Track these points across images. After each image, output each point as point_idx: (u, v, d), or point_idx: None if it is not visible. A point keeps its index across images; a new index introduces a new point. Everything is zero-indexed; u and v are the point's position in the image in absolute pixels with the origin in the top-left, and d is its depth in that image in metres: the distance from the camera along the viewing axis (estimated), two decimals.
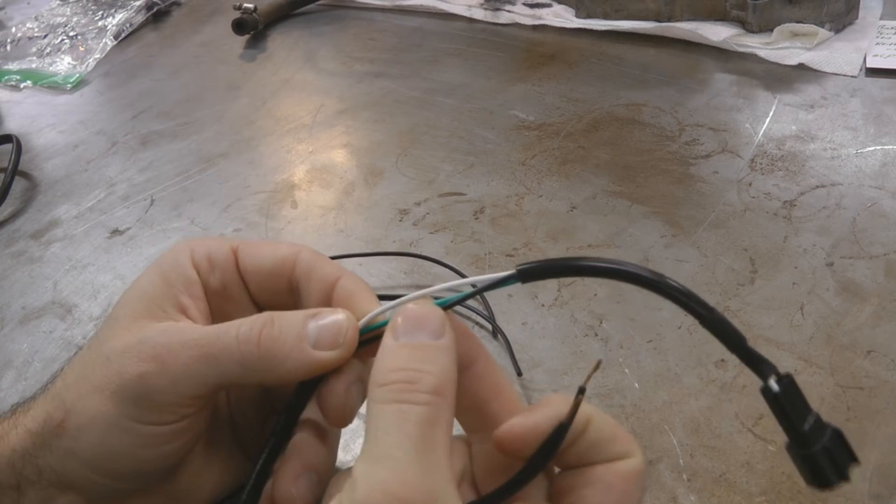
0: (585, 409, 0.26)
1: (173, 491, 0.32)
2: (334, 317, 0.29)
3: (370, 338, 0.29)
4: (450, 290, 0.27)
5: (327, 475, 0.30)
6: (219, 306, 0.32)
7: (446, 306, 0.27)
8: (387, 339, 0.26)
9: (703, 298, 0.25)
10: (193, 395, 0.28)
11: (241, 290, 0.33)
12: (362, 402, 0.29)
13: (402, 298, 0.28)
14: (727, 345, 0.25)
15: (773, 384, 0.24)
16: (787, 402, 0.24)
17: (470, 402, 0.27)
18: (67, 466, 0.28)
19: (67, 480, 0.29)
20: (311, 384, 0.30)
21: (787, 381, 0.24)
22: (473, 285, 0.27)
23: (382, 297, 0.30)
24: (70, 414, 0.28)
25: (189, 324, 0.30)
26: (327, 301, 0.31)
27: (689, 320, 0.43)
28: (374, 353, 0.29)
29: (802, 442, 0.24)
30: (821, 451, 0.24)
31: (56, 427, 0.28)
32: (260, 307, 0.32)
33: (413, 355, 0.25)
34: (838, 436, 0.24)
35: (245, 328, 0.28)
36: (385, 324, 0.28)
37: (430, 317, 0.26)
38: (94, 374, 0.28)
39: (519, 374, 0.41)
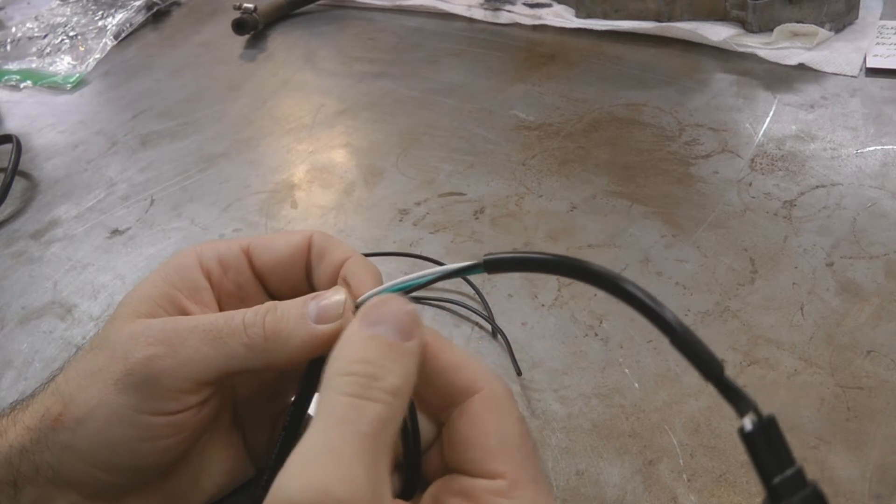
0: (426, 332, 0.26)
1: (171, 490, 0.32)
2: (332, 296, 0.29)
3: None
4: (419, 275, 0.28)
5: None
6: (236, 308, 0.32)
7: (411, 289, 0.28)
8: (353, 325, 0.25)
9: (678, 316, 0.23)
10: (199, 381, 0.28)
11: (257, 289, 0.33)
12: None
13: (387, 284, 0.29)
14: (701, 371, 0.23)
15: (747, 423, 0.22)
16: (762, 446, 0.22)
17: (434, 376, 0.27)
18: (65, 461, 0.28)
19: (65, 477, 0.29)
20: (315, 375, 0.31)
21: (766, 423, 0.22)
22: (443, 271, 0.27)
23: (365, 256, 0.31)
24: (69, 406, 0.28)
25: (195, 315, 0.30)
26: (335, 282, 0.31)
27: (690, 320, 0.43)
28: None
29: (771, 494, 0.21)
30: None
31: (53, 421, 0.28)
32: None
33: (380, 351, 0.24)
34: (817, 499, 0.21)
35: (250, 314, 0.29)
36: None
37: (404, 315, 0.25)
38: (97, 365, 0.29)
39: (519, 373, 0.41)
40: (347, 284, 0.31)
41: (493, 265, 0.26)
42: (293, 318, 0.28)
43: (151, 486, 0.31)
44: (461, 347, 0.28)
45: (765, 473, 0.22)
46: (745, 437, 0.22)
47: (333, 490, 0.21)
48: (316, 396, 0.25)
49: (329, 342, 0.29)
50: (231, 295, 0.32)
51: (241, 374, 0.30)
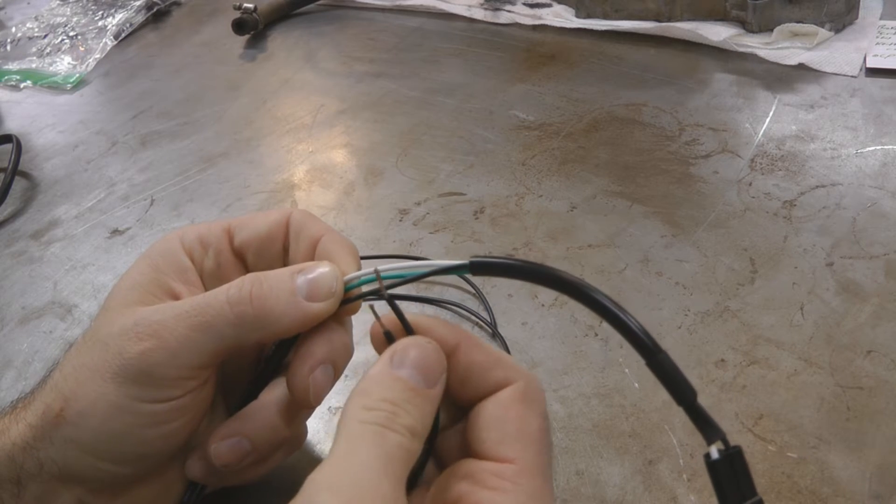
0: (457, 335, 0.27)
1: (174, 478, 0.32)
2: (320, 269, 0.29)
3: (349, 298, 0.30)
4: (408, 267, 0.28)
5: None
6: (215, 286, 0.32)
7: (397, 282, 0.28)
8: (384, 364, 0.26)
9: (656, 339, 0.23)
10: (194, 366, 0.28)
11: (237, 268, 0.33)
12: (331, 385, 0.30)
13: (372, 269, 0.29)
14: (674, 396, 0.23)
15: (714, 452, 0.22)
16: (726, 476, 0.22)
17: (468, 374, 0.28)
18: (69, 456, 0.28)
19: (70, 471, 0.29)
20: (281, 355, 0.31)
21: (731, 453, 0.22)
22: (431, 267, 0.28)
23: (364, 258, 0.31)
24: (69, 402, 0.28)
25: (180, 300, 0.30)
26: (311, 258, 0.31)
27: (690, 320, 0.43)
28: (351, 311, 0.30)
29: None
30: None
31: (55, 417, 0.28)
32: None
33: (403, 395, 0.25)
34: None
35: (234, 290, 0.29)
36: (364, 282, 0.29)
37: (432, 363, 0.26)
38: (93, 360, 0.29)
39: None
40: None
41: (479, 268, 0.27)
42: (283, 294, 0.28)
43: (156, 476, 0.31)
44: (490, 344, 0.28)
45: (725, 502, 0.22)
46: (710, 465, 0.22)
47: (363, 500, 0.22)
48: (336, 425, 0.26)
49: (319, 320, 0.29)
50: (211, 274, 0.33)
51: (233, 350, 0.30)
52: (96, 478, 0.29)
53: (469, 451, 0.27)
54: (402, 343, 0.27)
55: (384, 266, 0.29)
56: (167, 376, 0.28)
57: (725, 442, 0.23)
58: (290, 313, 0.28)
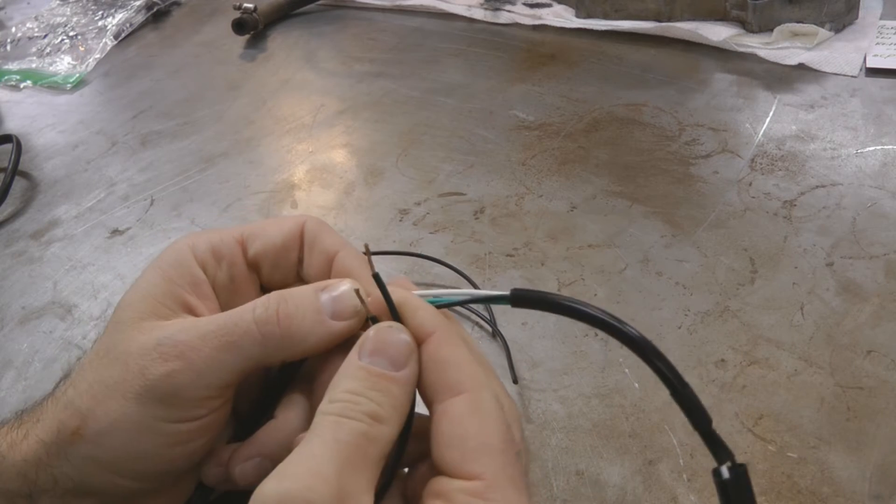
0: (434, 323, 0.28)
1: (187, 488, 0.31)
2: (343, 287, 0.29)
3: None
4: (447, 293, 0.29)
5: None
6: (229, 300, 0.32)
7: (438, 307, 0.28)
8: (352, 355, 0.26)
9: (681, 373, 0.26)
10: (220, 386, 0.28)
11: (250, 281, 0.33)
12: None
13: (413, 292, 0.29)
14: (693, 422, 0.26)
15: (725, 471, 0.25)
16: (734, 493, 0.24)
17: (428, 367, 0.28)
18: (86, 472, 0.28)
19: (86, 486, 0.28)
20: (290, 371, 0.31)
21: (739, 472, 0.24)
22: (469, 295, 0.29)
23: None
24: (87, 420, 0.28)
25: (202, 318, 0.30)
26: (327, 273, 0.31)
27: (690, 320, 0.43)
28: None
29: None
30: None
31: (71, 435, 0.28)
32: (269, 291, 0.32)
33: (367, 382, 0.25)
34: None
35: (260, 310, 0.28)
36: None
37: (396, 345, 0.26)
38: (111, 378, 0.28)
39: (515, 381, 0.41)
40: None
41: (519, 300, 0.27)
42: (309, 313, 0.28)
43: (171, 486, 0.31)
44: (470, 345, 0.28)
45: None
46: (721, 483, 0.25)
47: (302, 483, 0.22)
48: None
49: (343, 339, 0.29)
50: (224, 287, 0.32)
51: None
52: (113, 492, 0.29)
53: (437, 467, 0.27)
54: (368, 332, 0.27)
55: (423, 291, 0.29)
56: (193, 397, 0.28)
57: (733, 461, 0.25)
58: (317, 332, 0.28)
